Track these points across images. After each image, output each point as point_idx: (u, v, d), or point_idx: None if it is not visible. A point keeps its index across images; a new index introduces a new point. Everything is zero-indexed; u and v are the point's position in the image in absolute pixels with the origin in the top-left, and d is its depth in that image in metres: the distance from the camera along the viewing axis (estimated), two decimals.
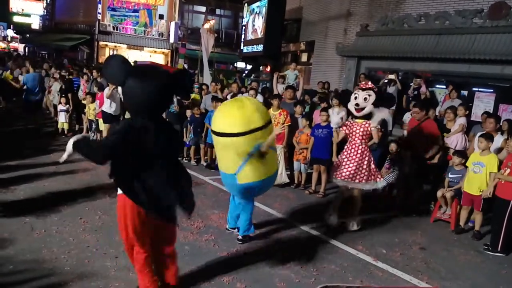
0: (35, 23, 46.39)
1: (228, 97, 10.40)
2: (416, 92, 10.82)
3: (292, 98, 9.12)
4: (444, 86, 11.54)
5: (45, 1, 43.61)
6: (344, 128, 6.00)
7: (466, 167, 6.43)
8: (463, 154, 6.71)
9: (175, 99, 9.46)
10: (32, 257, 4.33)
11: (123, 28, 32.31)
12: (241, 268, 4.55)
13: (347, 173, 5.86)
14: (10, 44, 53.96)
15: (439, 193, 6.79)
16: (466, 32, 10.95)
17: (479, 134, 6.58)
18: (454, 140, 7.26)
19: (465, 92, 11.01)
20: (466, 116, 7.72)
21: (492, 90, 10.52)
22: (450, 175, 6.74)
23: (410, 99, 10.45)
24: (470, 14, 10.91)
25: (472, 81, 11.12)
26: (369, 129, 5.82)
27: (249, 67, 26.34)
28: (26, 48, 44.27)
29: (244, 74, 20.81)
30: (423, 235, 6.22)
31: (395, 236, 6.03)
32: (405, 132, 8.45)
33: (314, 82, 15.37)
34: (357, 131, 5.87)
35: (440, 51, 11.28)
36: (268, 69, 18.65)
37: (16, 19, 50.86)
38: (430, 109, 7.81)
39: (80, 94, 10.99)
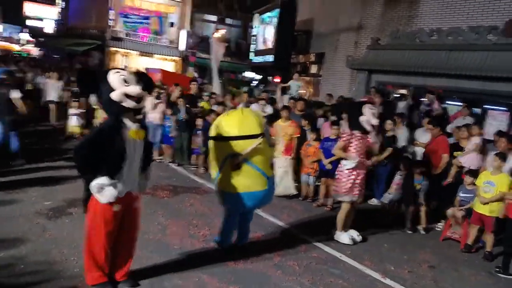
0: (49, 27, 46.88)
1: (239, 106, 10.41)
2: (428, 108, 10.73)
3: (302, 110, 9.09)
4: (456, 103, 11.43)
5: (59, 6, 44.08)
6: (354, 142, 5.91)
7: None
8: (475, 173, 6.61)
9: (182, 108, 9.45)
10: (43, 257, 4.38)
11: (135, 34, 32.47)
12: (247, 278, 4.52)
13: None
14: (24, 47, 54.49)
15: (450, 212, 6.71)
16: (479, 49, 10.87)
17: (493, 152, 6.49)
18: (469, 160, 7.13)
19: (477, 110, 10.90)
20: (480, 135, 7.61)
21: (506, 109, 10.39)
22: (461, 194, 6.65)
23: (422, 115, 10.37)
24: (484, 31, 10.84)
25: (485, 98, 11.01)
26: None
27: (257, 77, 26.35)
28: (40, 52, 44.67)
29: (253, 84, 20.82)
30: (433, 253, 6.13)
31: (403, 253, 5.95)
32: (416, 149, 8.36)
33: (323, 94, 15.33)
34: (364, 145, 5.96)
35: (452, 67, 11.21)
36: (278, 80, 18.64)
37: (29, 23, 51.51)
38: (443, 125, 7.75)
39: (94, 99, 10.95)
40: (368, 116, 5.74)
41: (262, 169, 4.75)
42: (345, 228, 6.14)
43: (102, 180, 3.52)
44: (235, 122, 4.80)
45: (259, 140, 4.66)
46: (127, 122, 3.65)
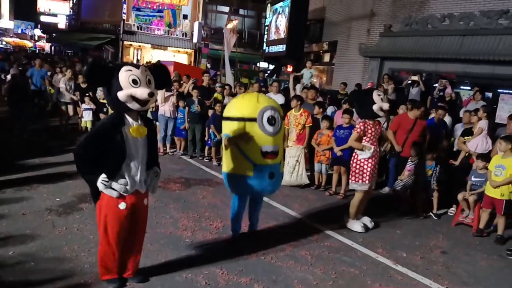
0: (62, 23, 47.30)
1: None
2: (441, 93, 10.67)
3: (314, 99, 9.08)
4: (469, 88, 11.35)
5: (71, 1, 44.42)
6: (369, 130, 5.88)
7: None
8: (487, 157, 6.57)
9: (195, 99, 9.51)
10: (53, 254, 4.41)
11: (148, 28, 32.62)
12: (259, 269, 4.55)
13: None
14: (37, 43, 55.11)
15: (460, 196, 6.70)
16: (491, 33, 10.76)
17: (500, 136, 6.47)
18: (474, 144, 7.15)
19: (489, 94, 10.81)
20: (490, 119, 7.57)
21: None
22: (473, 179, 6.63)
23: (435, 100, 10.31)
24: (495, 15, 10.71)
25: (497, 83, 10.91)
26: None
27: (271, 67, 26.31)
28: (53, 48, 45.17)
29: (266, 74, 20.77)
30: (445, 238, 6.13)
31: (415, 240, 5.96)
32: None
33: (337, 82, 15.29)
34: (378, 132, 5.96)
35: (465, 52, 11.12)
36: (290, 69, 18.61)
37: (43, 18, 52.11)
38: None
39: (100, 93, 10.92)
40: (379, 103, 5.70)
41: (248, 154, 4.72)
42: (358, 215, 6.16)
43: (104, 176, 3.47)
44: (237, 104, 4.98)
45: (247, 124, 4.71)
46: (129, 119, 3.59)
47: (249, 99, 4.97)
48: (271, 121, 4.76)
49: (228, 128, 4.84)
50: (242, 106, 4.86)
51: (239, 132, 4.72)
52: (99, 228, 3.71)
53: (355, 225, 6.02)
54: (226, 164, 4.93)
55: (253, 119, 4.72)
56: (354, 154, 6.02)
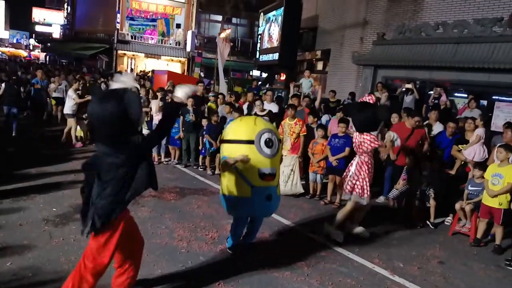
0: (56, 32, 47.39)
1: (244, 106, 10.43)
2: (436, 101, 10.70)
3: (298, 106, 9.08)
4: (465, 95, 11.38)
5: (65, 11, 44.50)
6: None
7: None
8: (484, 166, 6.54)
9: (190, 108, 9.48)
10: (50, 265, 4.37)
11: (141, 37, 32.66)
12: (256, 280, 4.50)
13: None
14: (32, 53, 55.10)
15: (457, 206, 6.67)
16: (485, 41, 10.80)
17: (498, 144, 6.46)
18: (472, 152, 7.13)
19: (484, 102, 10.84)
20: (485, 127, 7.57)
21: None
22: (470, 188, 6.60)
23: (430, 108, 10.33)
24: (489, 23, 10.77)
25: (492, 90, 10.95)
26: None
27: (264, 75, 26.34)
28: (47, 57, 45.17)
29: (259, 83, 20.77)
30: (442, 248, 6.09)
31: (412, 249, 5.91)
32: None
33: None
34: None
35: (459, 60, 11.15)
36: (283, 77, 18.61)
37: (38, 28, 52.25)
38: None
39: None
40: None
41: (246, 176, 4.67)
42: (355, 224, 6.13)
43: None
44: (235, 127, 4.97)
45: (245, 146, 4.67)
46: None
47: (246, 122, 4.99)
48: (268, 143, 4.75)
49: (227, 150, 4.84)
50: (240, 129, 4.86)
51: (237, 154, 4.69)
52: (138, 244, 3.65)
53: (337, 234, 5.88)
54: (224, 186, 4.87)
55: (250, 142, 4.71)
56: (359, 168, 5.83)
